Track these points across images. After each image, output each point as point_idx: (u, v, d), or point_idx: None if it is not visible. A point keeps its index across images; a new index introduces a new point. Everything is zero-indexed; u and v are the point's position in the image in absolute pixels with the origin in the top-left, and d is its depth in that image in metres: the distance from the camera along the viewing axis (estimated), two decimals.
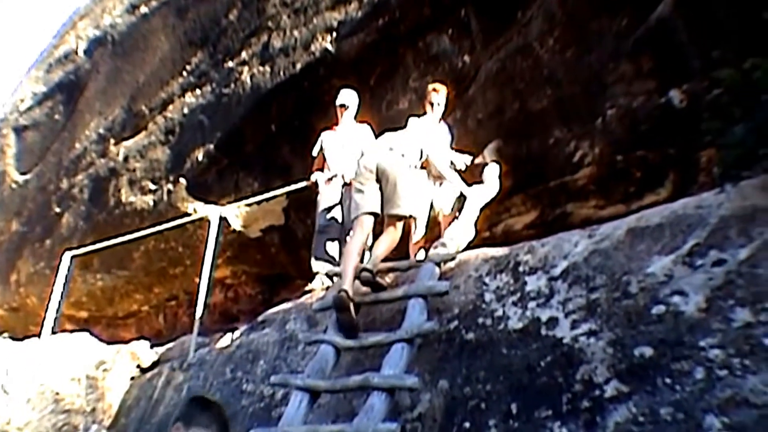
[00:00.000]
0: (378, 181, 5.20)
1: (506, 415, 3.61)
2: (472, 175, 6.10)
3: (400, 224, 5.18)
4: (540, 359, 3.67)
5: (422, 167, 5.74)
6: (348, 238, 5.68)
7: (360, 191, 5.24)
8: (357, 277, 4.86)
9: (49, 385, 7.22)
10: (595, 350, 3.45)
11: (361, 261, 5.06)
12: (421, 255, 5.72)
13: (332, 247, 6.41)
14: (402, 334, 4.17)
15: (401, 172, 5.20)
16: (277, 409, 4.96)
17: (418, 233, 5.84)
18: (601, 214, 6.02)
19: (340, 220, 6.47)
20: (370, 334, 4.54)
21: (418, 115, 6.21)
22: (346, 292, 4.59)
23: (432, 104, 6.25)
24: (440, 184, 5.96)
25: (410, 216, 5.32)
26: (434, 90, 6.28)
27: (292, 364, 5.23)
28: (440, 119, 6.32)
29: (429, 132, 5.99)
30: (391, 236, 5.12)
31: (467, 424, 3.76)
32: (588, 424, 3.24)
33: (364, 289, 5.00)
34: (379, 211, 5.20)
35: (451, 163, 6.02)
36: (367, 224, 5.18)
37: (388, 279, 5.25)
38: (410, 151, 5.45)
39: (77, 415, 7.14)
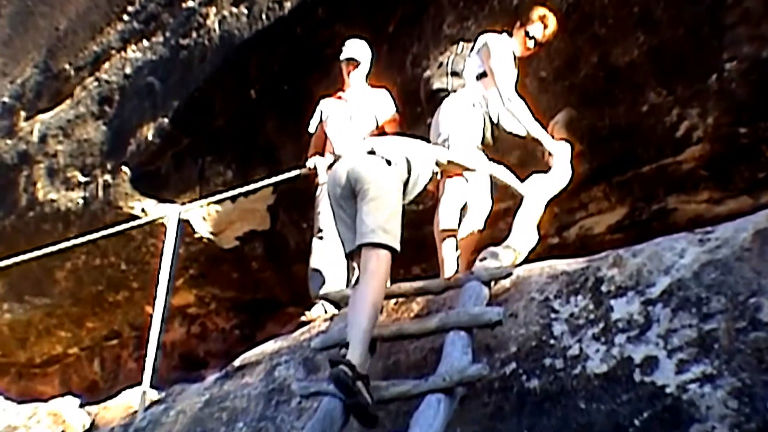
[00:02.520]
0: (355, 197, 4.85)
1: None
2: (532, 157, 6.11)
3: (383, 255, 4.61)
4: (633, 416, 3.64)
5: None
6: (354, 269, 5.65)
7: (340, 218, 5.01)
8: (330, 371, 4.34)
9: None
10: (711, 403, 3.43)
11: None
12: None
13: (337, 267, 6.42)
14: (437, 381, 4.10)
15: (380, 183, 4.78)
16: None
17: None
18: (718, 210, 6.03)
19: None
20: (392, 382, 4.45)
21: (500, 32, 6.20)
22: (350, 366, 4.17)
23: (528, 36, 6.20)
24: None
25: (390, 247, 4.65)
26: (542, 19, 6.19)
27: (284, 425, 5.24)
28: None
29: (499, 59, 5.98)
30: (369, 287, 4.54)
31: None
32: None
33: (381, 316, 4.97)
34: None
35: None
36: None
37: (416, 305, 5.25)
38: (419, 158, 5.10)
39: None
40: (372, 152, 4.95)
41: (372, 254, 4.58)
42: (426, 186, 5.19)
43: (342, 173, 4.91)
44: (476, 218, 5.79)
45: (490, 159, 5.83)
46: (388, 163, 4.88)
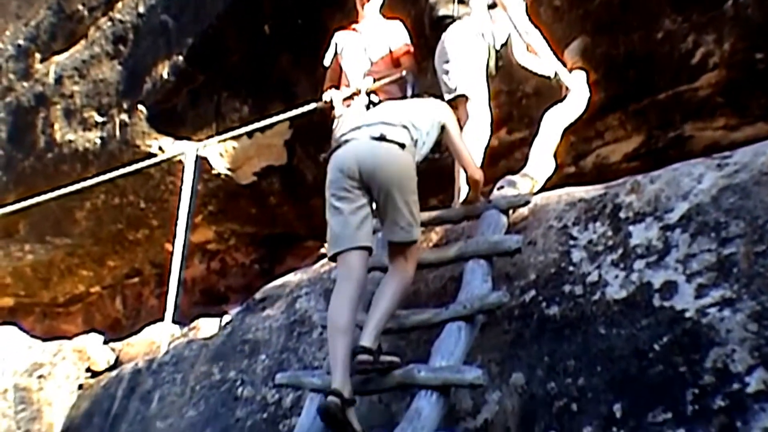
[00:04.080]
0: (365, 189, 4.49)
1: (607, 420, 3.62)
2: (548, 87, 6.07)
3: (412, 253, 4.53)
4: (653, 341, 3.67)
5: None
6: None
7: (337, 210, 4.49)
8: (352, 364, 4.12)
9: None
10: (731, 327, 3.44)
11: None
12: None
13: None
14: (458, 309, 4.14)
15: (399, 174, 4.48)
16: (285, 420, 5.03)
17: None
18: (734, 136, 5.99)
19: None
20: (412, 311, 4.51)
21: None
22: (339, 396, 3.94)
23: None
24: None
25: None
26: None
27: (306, 356, 5.28)
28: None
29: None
30: (399, 277, 4.43)
31: None
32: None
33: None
34: (371, 243, 4.54)
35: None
36: (356, 266, 4.42)
37: (435, 235, 5.24)
38: (420, 130, 4.75)
39: None
40: (382, 137, 4.50)
41: (403, 250, 4.45)
42: (436, 140, 4.91)
43: (350, 161, 4.49)
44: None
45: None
46: (402, 147, 4.49)
